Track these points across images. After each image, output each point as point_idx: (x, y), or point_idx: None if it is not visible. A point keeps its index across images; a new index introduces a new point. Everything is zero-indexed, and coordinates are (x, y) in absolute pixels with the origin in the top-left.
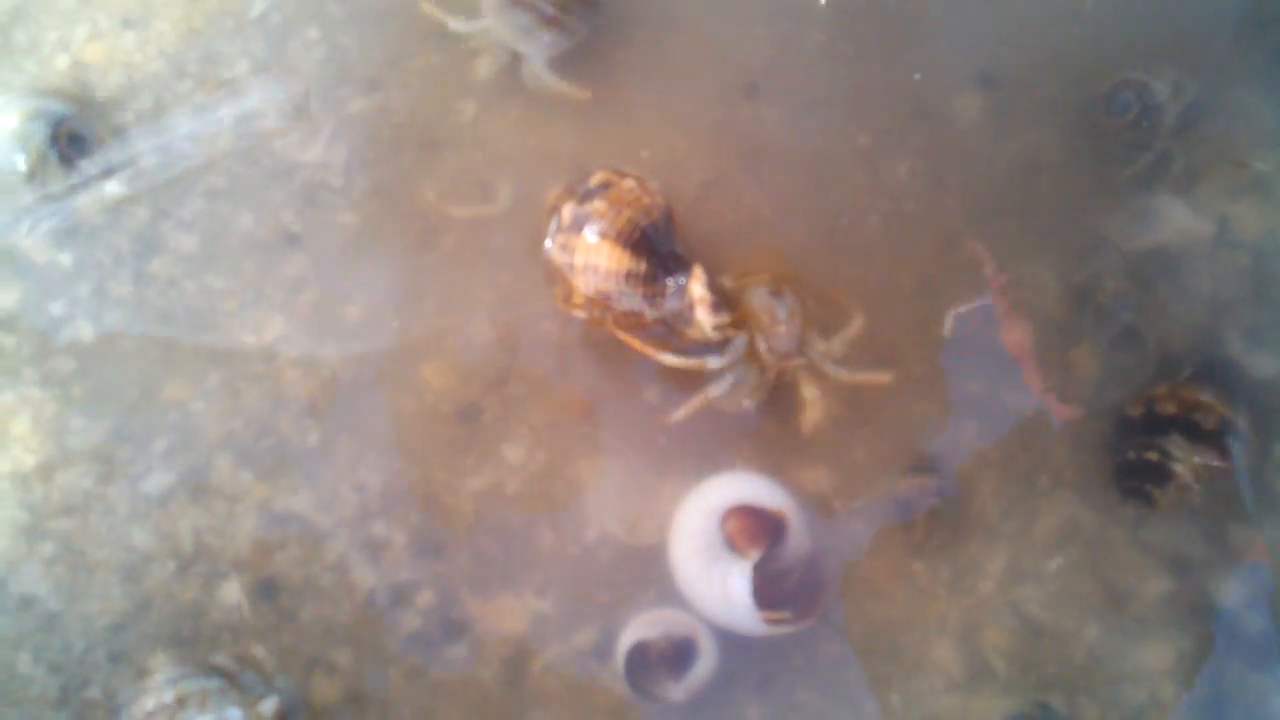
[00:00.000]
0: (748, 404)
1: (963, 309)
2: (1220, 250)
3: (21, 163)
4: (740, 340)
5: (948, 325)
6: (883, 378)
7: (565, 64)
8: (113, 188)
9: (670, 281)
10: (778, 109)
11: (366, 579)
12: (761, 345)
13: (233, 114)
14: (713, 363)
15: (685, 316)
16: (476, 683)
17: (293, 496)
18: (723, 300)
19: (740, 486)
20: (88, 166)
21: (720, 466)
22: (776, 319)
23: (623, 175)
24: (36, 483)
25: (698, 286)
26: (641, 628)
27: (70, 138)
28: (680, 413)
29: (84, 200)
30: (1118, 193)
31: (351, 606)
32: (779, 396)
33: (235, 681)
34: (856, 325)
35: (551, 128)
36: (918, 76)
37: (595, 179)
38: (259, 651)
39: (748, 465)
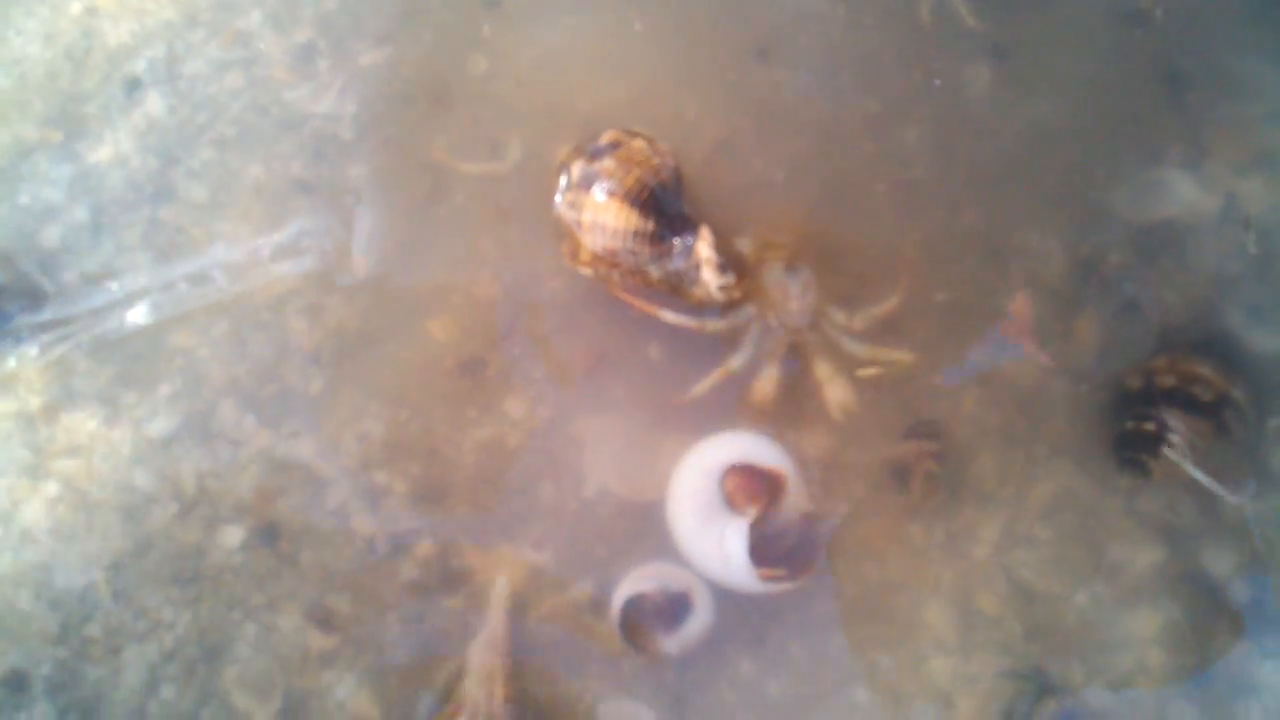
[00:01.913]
0: (771, 393)
1: None
2: (1225, 226)
3: None
4: (748, 309)
5: None
6: (902, 355)
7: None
8: (136, 315)
9: (677, 241)
10: (789, 73)
11: (367, 526)
12: (774, 321)
13: (270, 245)
14: (712, 324)
15: (690, 276)
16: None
17: (295, 443)
18: (729, 261)
19: (740, 445)
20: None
21: (720, 425)
22: (789, 295)
23: (633, 135)
24: (41, 423)
25: (704, 247)
26: (638, 581)
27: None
28: (699, 387)
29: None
30: (1125, 164)
31: (351, 553)
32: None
33: None
34: (889, 305)
35: (563, 84)
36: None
37: (605, 137)
38: None
39: (747, 425)
